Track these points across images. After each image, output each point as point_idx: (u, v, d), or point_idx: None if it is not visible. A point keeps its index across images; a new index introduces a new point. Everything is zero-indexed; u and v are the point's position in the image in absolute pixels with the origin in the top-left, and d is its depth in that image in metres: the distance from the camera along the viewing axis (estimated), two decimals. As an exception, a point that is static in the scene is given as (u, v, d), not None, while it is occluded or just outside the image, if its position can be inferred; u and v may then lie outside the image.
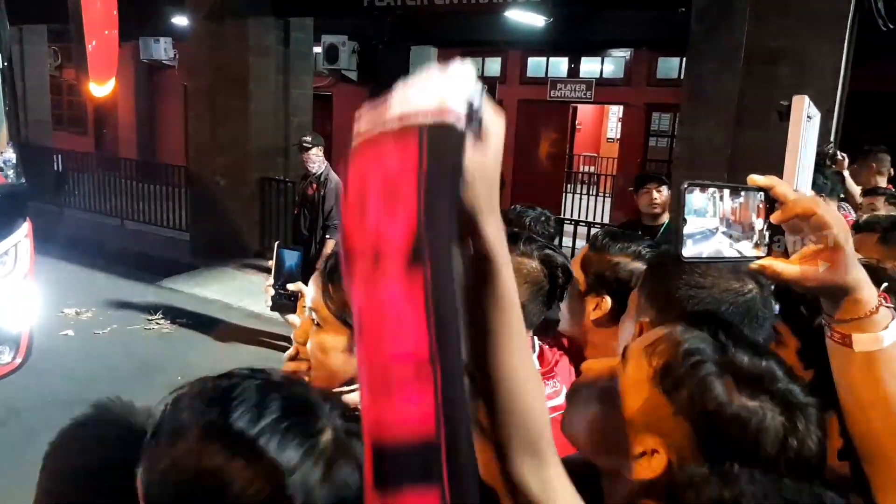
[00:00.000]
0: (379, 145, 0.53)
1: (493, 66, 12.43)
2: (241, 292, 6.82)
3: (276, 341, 5.61)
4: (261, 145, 8.22)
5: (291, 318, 1.58)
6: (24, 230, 4.19)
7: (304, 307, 1.52)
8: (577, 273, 1.44)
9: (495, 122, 0.61)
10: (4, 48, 4.31)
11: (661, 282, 1.13)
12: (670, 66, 10.97)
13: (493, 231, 0.63)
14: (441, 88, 0.56)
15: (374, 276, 0.51)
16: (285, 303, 1.61)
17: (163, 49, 12.77)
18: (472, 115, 0.57)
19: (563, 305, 1.46)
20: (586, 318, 1.42)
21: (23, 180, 4.28)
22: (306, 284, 1.36)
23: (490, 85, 11.39)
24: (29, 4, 8.31)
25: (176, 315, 6.37)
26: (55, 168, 10.90)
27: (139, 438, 0.95)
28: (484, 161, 0.60)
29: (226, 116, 8.16)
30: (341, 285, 1.30)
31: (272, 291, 1.61)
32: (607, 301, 1.39)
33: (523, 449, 0.72)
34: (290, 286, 1.60)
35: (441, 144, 0.53)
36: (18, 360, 4.11)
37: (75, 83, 11.04)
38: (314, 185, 5.64)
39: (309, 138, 5.73)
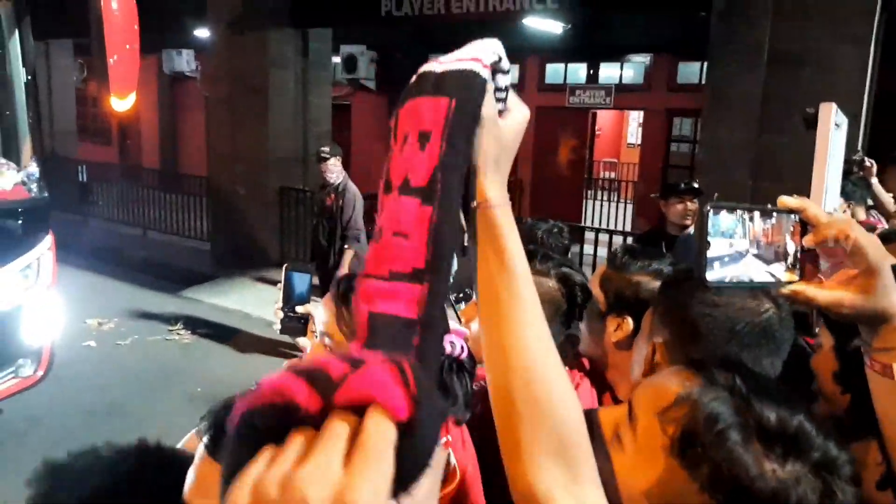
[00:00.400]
0: (420, 95, 0.64)
1: (511, 73, 12.40)
2: (260, 302, 6.84)
3: (294, 351, 5.61)
4: (280, 155, 8.26)
5: (301, 340, 1.56)
6: (47, 243, 4.22)
7: (314, 330, 1.50)
8: (597, 292, 1.40)
9: (519, 103, 0.69)
10: (28, 62, 4.36)
11: (675, 300, 1.09)
12: (691, 71, 10.86)
13: (495, 193, 0.65)
14: (470, 48, 0.67)
15: (398, 199, 0.62)
16: (295, 325, 1.61)
17: (185, 61, 12.93)
18: (497, 70, 0.66)
19: (583, 325, 1.42)
20: (607, 339, 1.37)
21: (45, 194, 4.31)
22: (327, 295, 1.35)
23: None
24: (54, 19, 8.44)
25: (196, 325, 6.40)
26: (80, 178, 11.06)
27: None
28: (504, 124, 0.66)
29: (245, 126, 8.22)
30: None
31: (281, 314, 1.60)
32: (629, 322, 1.34)
33: (550, 455, 0.65)
34: (300, 309, 1.59)
35: (465, 91, 0.63)
36: (40, 373, 4.13)
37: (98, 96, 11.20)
38: (332, 196, 5.64)
39: (327, 149, 5.73)
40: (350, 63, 11.16)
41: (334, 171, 5.63)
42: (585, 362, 1.45)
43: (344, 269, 5.41)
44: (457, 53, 0.67)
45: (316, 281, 5.52)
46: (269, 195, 8.21)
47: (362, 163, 11.55)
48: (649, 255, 1.41)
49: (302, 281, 1.67)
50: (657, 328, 1.10)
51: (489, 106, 0.65)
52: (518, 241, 0.66)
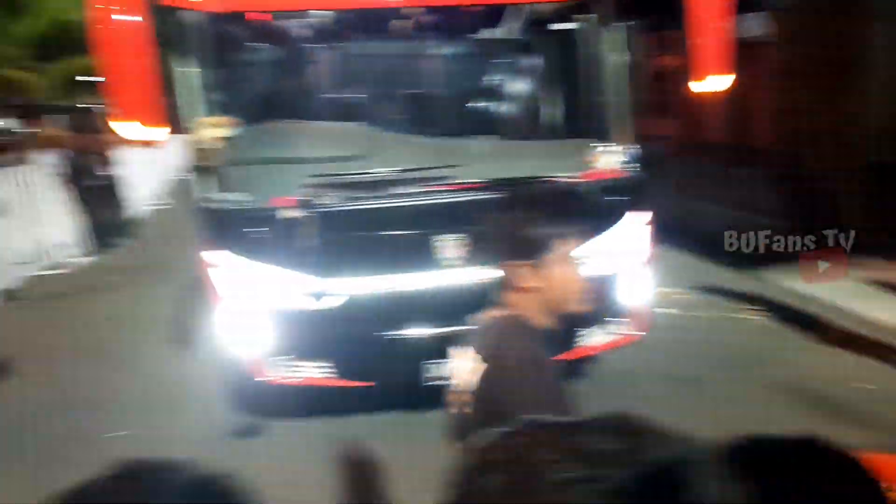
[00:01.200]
0: None
1: None
2: (851, 294, 6.08)
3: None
4: (874, 127, 7.18)
5: None
6: (647, 216, 4.61)
7: None
8: None
9: None
10: (629, 48, 4.74)
11: None
12: None
13: None
14: None
15: None
16: None
17: (756, 24, 12.38)
18: None
19: None
20: None
21: (645, 173, 4.70)
22: None
23: None
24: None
25: (771, 307, 6.17)
26: (652, 155, 11.79)
27: None
28: None
29: (829, 95, 7.40)
30: None
31: None
32: None
33: None
34: None
35: None
36: (640, 333, 4.56)
37: (673, 72, 11.68)
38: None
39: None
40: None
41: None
42: None
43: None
44: None
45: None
46: (858, 172, 7.25)
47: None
48: None
49: None
50: None
51: None
52: None
